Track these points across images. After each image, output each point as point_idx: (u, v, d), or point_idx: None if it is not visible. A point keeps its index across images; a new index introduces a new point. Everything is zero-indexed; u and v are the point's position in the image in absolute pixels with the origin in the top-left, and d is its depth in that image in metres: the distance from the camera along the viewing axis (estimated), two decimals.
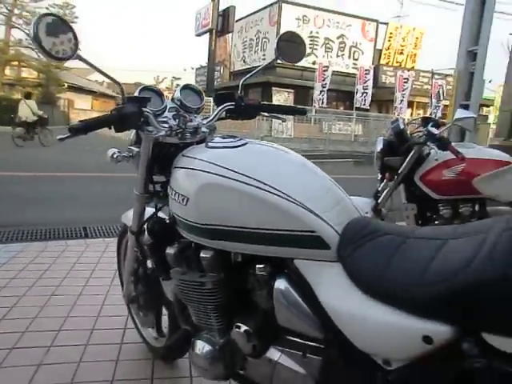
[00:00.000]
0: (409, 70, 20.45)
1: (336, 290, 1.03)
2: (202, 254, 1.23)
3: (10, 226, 3.85)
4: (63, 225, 3.99)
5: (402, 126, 2.51)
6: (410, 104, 20.10)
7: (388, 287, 0.93)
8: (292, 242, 1.07)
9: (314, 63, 19.52)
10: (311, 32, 21.23)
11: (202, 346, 1.28)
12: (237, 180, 1.13)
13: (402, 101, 17.32)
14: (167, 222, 1.41)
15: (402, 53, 23.64)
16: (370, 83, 16.99)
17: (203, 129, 1.44)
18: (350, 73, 21.45)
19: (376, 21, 22.93)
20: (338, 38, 21.94)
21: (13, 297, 2.38)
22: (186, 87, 1.52)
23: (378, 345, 0.96)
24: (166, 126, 1.37)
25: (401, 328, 0.90)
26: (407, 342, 0.90)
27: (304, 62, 21.03)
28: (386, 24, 23.22)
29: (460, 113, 2.38)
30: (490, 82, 17.55)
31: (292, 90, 20.05)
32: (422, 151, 2.49)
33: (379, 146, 2.57)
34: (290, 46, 1.53)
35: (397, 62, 23.48)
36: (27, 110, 12.53)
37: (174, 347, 1.76)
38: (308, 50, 21.42)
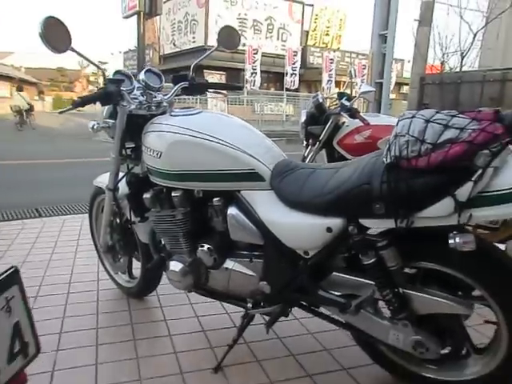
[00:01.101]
0: (334, 51, 21.46)
1: (270, 208, 1.51)
2: (173, 194, 1.66)
3: None
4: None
5: (320, 100, 3.04)
6: (338, 83, 21.15)
7: (302, 200, 1.43)
8: (238, 177, 1.54)
9: (243, 45, 19.88)
10: (239, 14, 21.53)
11: (175, 265, 1.72)
12: (196, 137, 1.57)
13: (329, 81, 18.23)
14: (140, 176, 1.82)
15: (327, 34, 24.60)
16: (298, 64, 17.69)
17: (164, 103, 1.86)
18: (279, 54, 22.03)
19: (302, 3, 23.62)
20: (266, 19, 22.38)
21: None
22: (149, 71, 1.91)
23: (299, 240, 1.46)
24: (136, 101, 1.77)
25: (312, 225, 1.40)
26: (317, 234, 1.40)
27: None
28: (312, 6, 23.98)
29: (364, 87, 2.94)
30: (408, 61, 18.91)
31: (224, 73, 20.37)
32: (338, 120, 3.03)
33: (303, 118, 3.09)
34: (228, 37, 1.96)
35: (323, 43, 24.42)
36: (22, 100, 15.77)
37: (145, 285, 2.19)
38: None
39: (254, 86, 18.02)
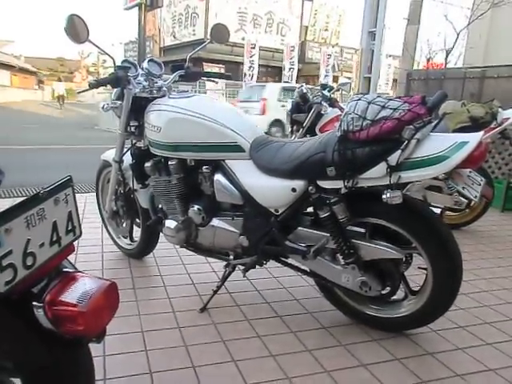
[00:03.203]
0: (333, 47, 21.76)
1: (249, 174, 1.85)
2: (169, 163, 2.00)
3: None
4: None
5: (304, 90, 3.38)
6: (335, 78, 21.47)
7: (274, 167, 1.76)
8: (223, 149, 1.87)
9: (243, 39, 20.16)
10: (240, 8, 21.80)
11: (170, 223, 2.06)
12: (190, 115, 1.91)
13: (326, 76, 18.51)
14: (143, 148, 2.16)
15: (326, 29, 24.90)
16: (296, 59, 17.98)
17: (164, 88, 2.19)
18: (278, 48, 22.30)
19: None
20: (265, 14, 22.66)
21: None
22: (151, 60, 2.24)
23: (271, 200, 1.80)
24: (140, 85, 2.11)
25: (281, 187, 1.74)
26: (284, 194, 1.73)
27: (234, 38, 21.58)
28: (312, 1, 24.25)
29: (341, 80, 3.28)
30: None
31: (223, 66, 20.67)
32: (320, 109, 3.37)
33: (289, 106, 3.43)
34: (219, 32, 2.29)
35: (322, 39, 24.74)
36: (61, 88, 23.09)
37: (144, 247, 2.53)
38: (237, 26, 22.02)
39: (251, 79, 18.31)
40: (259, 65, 19.04)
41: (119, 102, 2.17)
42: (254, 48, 17.52)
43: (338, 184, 1.59)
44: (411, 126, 1.43)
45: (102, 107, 2.17)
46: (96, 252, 2.70)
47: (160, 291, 2.19)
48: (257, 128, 1.99)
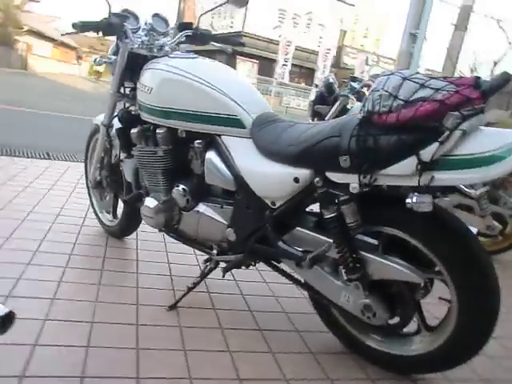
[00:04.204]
0: (371, 54, 21.24)
1: (246, 156, 1.53)
2: (157, 131, 1.69)
3: None
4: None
5: (331, 80, 3.04)
6: (369, 87, 20.94)
7: (277, 150, 1.44)
8: (221, 122, 1.56)
9: (279, 36, 19.83)
10: (280, 5, 21.43)
11: (150, 201, 1.75)
12: (187, 77, 1.60)
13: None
14: (133, 113, 1.86)
15: (366, 36, 24.38)
16: (330, 62, 17.59)
17: (167, 48, 1.88)
18: (314, 50, 21.89)
19: (345, 2, 23.41)
20: (306, 14, 22.26)
21: None
22: (157, 15, 1.94)
23: (268, 189, 1.47)
24: (139, 40, 1.81)
25: (281, 174, 1.41)
26: (284, 183, 1.41)
27: (271, 34, 21.31)
28: (354, 6, 23.76)
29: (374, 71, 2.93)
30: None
31: (256, 61, 20.33)
32: (347, 102, 3.02)
33: (312, 96, 3.09)
34: None
35: (360, 45, 24.21)
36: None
37: (126, 225, 2.23)
38: (276, 23, 21.69)
39: (283, 78, 17.99)
40: (293, 64, 18.72)
41: (114, 57, 1.87)
42: (289, 46, 17.22)
43: (352, 179, 1.26)
44: (457, 113, 1.08)
45: (94, 60, 1.88)
46: (75, 224, 2.42)
47: (130, 278, 1.89)
48: (265, 103, 1.67)
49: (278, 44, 18.85)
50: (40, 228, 2.24)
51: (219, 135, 1.59)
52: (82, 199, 2.80)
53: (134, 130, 1.77)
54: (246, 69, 19.47)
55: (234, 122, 1.54)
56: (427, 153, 1.11)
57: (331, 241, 1.37)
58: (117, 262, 2.04)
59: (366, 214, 1.32)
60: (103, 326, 1.50)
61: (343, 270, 1.39)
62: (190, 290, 1.73)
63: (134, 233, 2.38)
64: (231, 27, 22.00)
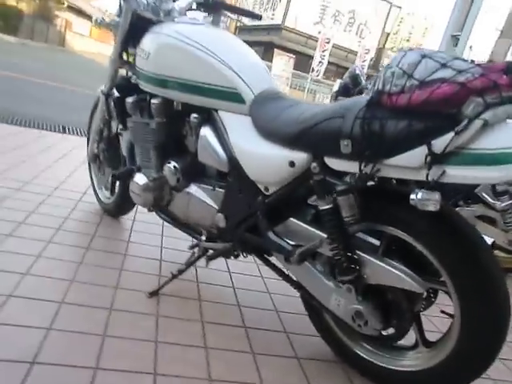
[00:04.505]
0: None
1: (243, 135, 1.38)
2: (152, 101, 1.56)
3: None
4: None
5: (357, 71, 2.84)
6: None
7: (274, 129, 1.29)
8: (219, 95, 1.42)
9: (319, 32, 19.51)
10: (323, 0, 21.06)
11: (139, 178, 1.64)
12: (187, 43, 1.46)
13: None
14: (132, 81, 1.74)
15: (408, 40, 23.76)
16: (367, 63, 17.17)
17: (175, 13, 1.75)
18: (353, 50, 21.48)
19: (390, 3, 22.83)
20: (348, 12, 21.83)
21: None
22: None
23: (261, 172, 1.32)
24: (144, 1, 1.67)
25: (276, 157, 1.26)
26: (279, 167, 1.25)
27: (311, 30, 21.00)
28: (399, 8, 23.16)
29: None
30: None
31: (293, 56, 20.07)
32: None
33: (336, 87, 2.91)
34: None
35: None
36: None
37: (121, 204, 2.11)
38: (317, 19, 21.35)
39: (318, 75, 17.70)
40: (330, 62, 18.38)
41: (117, 19, 1.75)
42: (328, 43, 16.89)
43: (352, 167, 1.10)
44: (479, 99, 0.91)
45: (95, 20, 1.76)
46: (72, 199, 2.33)
47: (115, 259, 1.77)
48: (270, 79, 1.52)
49: (317, 40, 18.53)
50: (32, 199, 2.16)
51: (216, 110, 1.45)
52: (85, 175, 2.71)
53: (129, 100, 1.66)
54: (282, 63, 19.24)
55: (233, 97, 1.40)
56: (440, 143, 0.94)
57: (325, 236, 1.22)
58: (105, 241, 1.93)
59: (367, 210, 1.16)
60: (72, 307, 1.38)
61: (336, 270, 1.23)
62: (174, 277, 1.61)
63: (132, 213, 2.28)
64: (272, 19, 21.79)
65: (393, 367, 1.27)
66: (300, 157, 1.21)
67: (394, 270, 1.14)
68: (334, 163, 1.14)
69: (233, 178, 1.42)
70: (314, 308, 1.41)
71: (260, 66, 1.52)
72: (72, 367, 1.13)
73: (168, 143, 1.59)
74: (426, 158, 0.96)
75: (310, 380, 1.31)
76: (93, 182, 2.33)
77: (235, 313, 1.60)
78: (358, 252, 1.20)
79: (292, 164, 1.22)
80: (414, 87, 0.97)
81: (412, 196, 0.99)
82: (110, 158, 2.07)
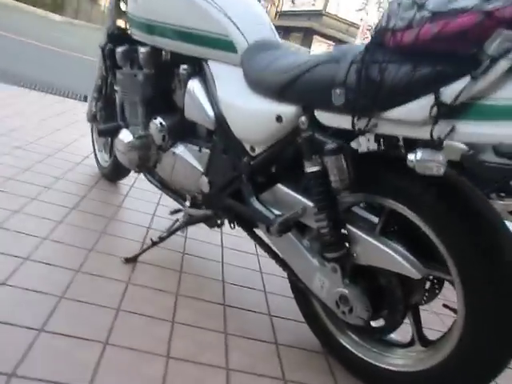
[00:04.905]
0: None
1: (232, 88, 1.23)
2: (140, 50, 1.42)
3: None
4: None
5: None
6: None
7: (262, 79, 1.13)
8: (209, 42, 1.26)
9: (361, 20, 18.93)
10: None
11: (125, 134, 1.52)
12: None
13: None
14: (127, 31, 1.60)
15: None
16: None
17: None
18: None
19: None
20: None
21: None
22: None
23: (248, 130, 1.16)
24: None
25: (262, 112, 1.10)
26: (265, 123, 1.09)
27: (353, 17, 20.40)
28: None
29: None
30: None
31: (333, 43, 19.58)
32: None
33: None
34: None
35: None
36: None
37: (115, 167, 1.99)
38: (360, 6, 20.71)
39: None
40: None
41: None
42: (369, 30, 16.30)
43: (344, 122, 0.92)
44: (509, 32, 0.71)
45: None
46: (72, 161, 2.24)
47: (99, 222, 1.66)
48: (270, 28, 1.34)
49: (358, 28, 18.00)
50: (29, 157, 2.07)
51: (206, 60, 1.29)
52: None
53: (118, 50, 1.53)
54: (321, 49, 18.80)
55: (225, 45, 1.24)
56: (450, 91, 0.75)
57: (311, 204, 1.05)
58: (95, 203, 1.82)
59: (362, 178, 0.98)
60: (35, 264, 1.27)
61: (320, 245, 1.06)
62: (153, 244, 1.48)
63: (132, 180, 2.17)
64: (313, 5, 21.30)
65: (380, 365, 1.09)
66: (288, 110, 1.04)
67: (388, 250, 0.97)
68: (324, 117, 0.97)
69: (218, 137, 1.26)
70: (301, 291, 1.24)
71: (259, 12, 1.35)
72: (13, 326, 1.01)
73: (155, 98, 1.45)
74: (431, 110, 0.77)
75: (285, 369, 1.15)
76: (94, 145, 2.23)
77: (217, 289, 1.45)
78: (348, 227, 1.03)
79: (279, 119, 1.06)
80: (425, 20, 0.77)
81: (410, 156, 0.81)
82: (107, 117, 1.95)
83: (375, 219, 1.07)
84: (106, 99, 1.91)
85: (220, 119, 1.23)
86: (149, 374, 0.99)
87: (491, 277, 0.86)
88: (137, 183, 2.18)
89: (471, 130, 0.76)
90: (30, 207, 1.60)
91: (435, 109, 0.77)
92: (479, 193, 0.93)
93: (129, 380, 0.96)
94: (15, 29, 7.64)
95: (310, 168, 1.00)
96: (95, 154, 2.21)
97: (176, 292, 1.35)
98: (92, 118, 2.03)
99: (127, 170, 2.00)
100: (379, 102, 0.85)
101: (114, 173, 2.04)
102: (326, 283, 1.07)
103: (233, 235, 1.87)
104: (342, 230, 1.04)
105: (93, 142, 2.24)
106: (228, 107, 1.21)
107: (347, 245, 1.03)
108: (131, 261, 1.44)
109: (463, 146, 1.09)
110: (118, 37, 1.60)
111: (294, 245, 1.13)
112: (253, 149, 1.16)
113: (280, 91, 1.05)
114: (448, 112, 0.76)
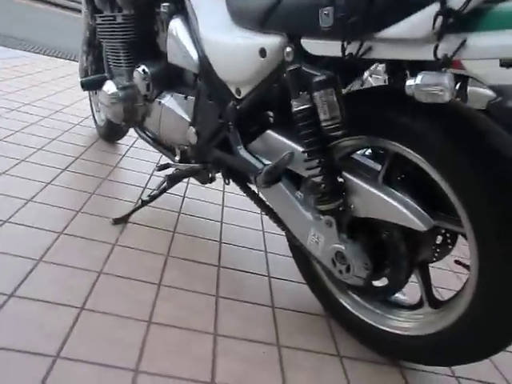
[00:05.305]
0: None
1: (214, 23, 1.09)
2: None
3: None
4: None
5: None
6: None
7: (244, 8, 0.98)
8: None
9: None
10: None
11: (108, 85, 1.40)
12: None
13: None
14: None
15: None
16: None
17: None
18: None
19: None
20: None
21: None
22: None
23: (232, 69, 1.03)
24: None
25: (246, 46, 0.96)
26: (249, 59, 0.95)
27: None
28: None
29: None
30: None
31: None
32: None
33: None
34: None
35: None
36: None
37: (110, 127, 1.89)
38: None
39: None
40: None
41: None
42: None
43: (334, 49, 0.77)
44: None
45: None
46: (69, 122, 2.15)
47: (90, 183, 1.57)
48: None
49: None
50: (25, 120, 1.99)
51: None
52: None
53: None
54: None
55: None
56: None
57: (300, 148, 0.92)
58: (89, 164, 1.73)
59: (359, 117, 0.84)
60: (14, 227, 1.19)
61: (313, 196, 0.94)
62: (143, 204, 1.38)
63: (131, 140, 2.07)
64: None
65: (384, 328, 0.98)
66: (271, 41, 0.89)
67: (389, 200, 0.84)
68: (311, 46, 0.82)
69: (203, 81, 1.13)
70: (299, 249, 1.13)
71: None
72: None
73: (138, 43, 1.32)
74: (434, 22, 0.62)
75: (281, 334, 1.05)
76: (91, 105, 2.12)
77: (213, 249, 1.36)
78: (345, 174, 0.90)
79: (263, 52, 0.91)
80: None
81: (409, 82, 0.67)
82: (97, 71, 1.82)
83: (378, 167, 0.93)
84: (94, 51, 1.79)
85: (203, 60, 1.09)
86: (127, 340, 0.91)
87: (508, 227, 0.72)
88: (137, 143, 2.08)
89: (487, 44, 0.60)
90: (17, 169, 1.52)
91: (440, 19, 0.62)
92: (499, 129, 0.78)
93: (105, 347, 0.88)
94: None
95: (298, 107, 0.86)
96: (93, 115, 2.11)
97: (166, 253, 1.26)
98: (84, 74, 1.91)
99: (123, 132, 1.91)
100: (373, 20, 0.70)
101: (110, 131, 1.94)
102: (321, 239, 0.95)
103: (235, 194, 1.77)
104: (339, 179, 0.91)
105: (90, 101, 2.13)
106: (210, 45, 1.07)
107: (344, 195, 0.90)
108: (120, 221, 1.35)
109: (490, 93, 0.94)
110: None
111: (286, 197, 1.01)
112: (238, 91, 1.03)
113: (263, 19, 0.90)
114: (457, 23, 0.61)
